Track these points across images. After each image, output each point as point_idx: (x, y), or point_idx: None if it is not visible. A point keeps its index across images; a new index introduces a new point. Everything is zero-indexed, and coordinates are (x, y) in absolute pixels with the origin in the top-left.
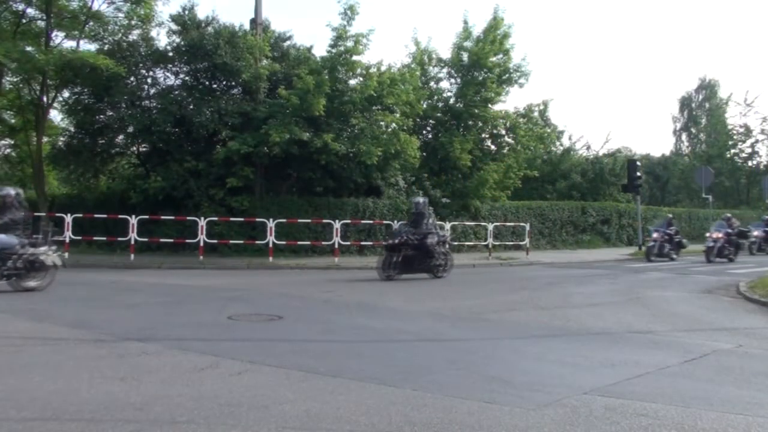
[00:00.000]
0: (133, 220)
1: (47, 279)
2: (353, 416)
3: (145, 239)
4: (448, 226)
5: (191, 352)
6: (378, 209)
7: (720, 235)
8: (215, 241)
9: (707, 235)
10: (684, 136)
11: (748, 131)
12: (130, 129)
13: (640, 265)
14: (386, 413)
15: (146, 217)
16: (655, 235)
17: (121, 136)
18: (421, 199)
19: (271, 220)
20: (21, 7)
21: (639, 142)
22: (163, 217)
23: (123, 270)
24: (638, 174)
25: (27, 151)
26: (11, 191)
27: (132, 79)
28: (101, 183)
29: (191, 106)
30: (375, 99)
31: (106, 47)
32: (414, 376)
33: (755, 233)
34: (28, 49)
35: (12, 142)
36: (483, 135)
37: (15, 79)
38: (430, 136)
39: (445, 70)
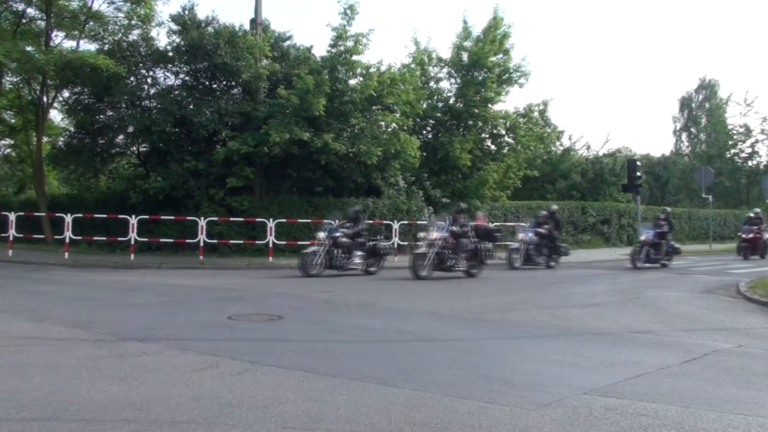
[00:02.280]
0: (133, 220)
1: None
2: (353, 416)
3: (145, 239)
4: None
5: (191, 352)
6: (378, 209)
7: (649, 237)
8: (215, 241)
9: (641, 237)
10: (684, 136)
11: (748, 131)
12: (130, 129)
13: (754, 257)
14: (386, 413)
15: (146, 217)
16: (643, 237)
17: (121, 136)
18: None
19: (271, 220)
20: (21, 7)
21: (639, 142)
22: (163, 217)
23: (123, 270)
24: (638, 174)
25: (27, 151)
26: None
27: (132, 79)
28: (101, 183)
29: (191, 106)
30: (375, 99)
31: (106, 47)
32: (414, 376)
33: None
34: (28, 49)
35: (12, 142)
36: (483, 135)
37: (15, 79)
38: (430, 136)
39: (444, 70)
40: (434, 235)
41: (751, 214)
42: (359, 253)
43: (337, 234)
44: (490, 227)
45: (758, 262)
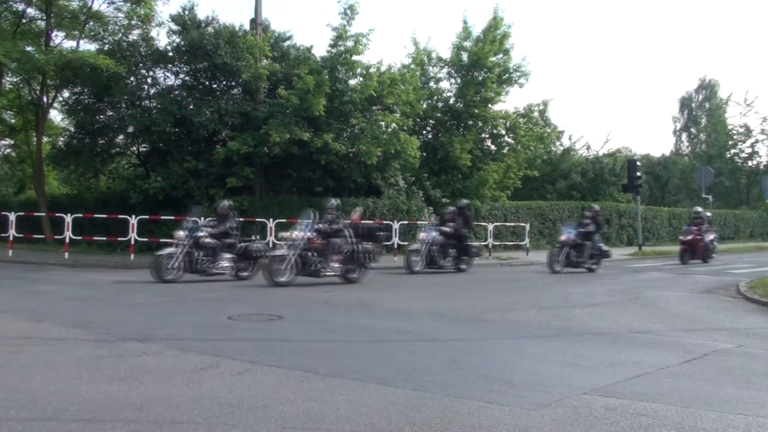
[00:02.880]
0: (133, 220)
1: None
2: (353, 416)
3: (145, 239)
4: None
5: (191, 352)
6: (378, 209)
7: (570, 237)
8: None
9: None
10: (684, 136)
11: (748, 131)
12: (130, 129)
13: (640, 265)
14: (386, 413)
15: (146, 217)
16: (564, 237)
17: (121, 136)
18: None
19: (271, 220)
20: (21, 7)
21: (639, 142)
22: (163, 217)
23: (123, 270)
24: (638, 174)
25: (27, 151)
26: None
27: (132, 79)
28: (101, 183)
29: (191, 106)
30: (375, 99)
31: (106, 47)
32: (414, 376)
33: (563, 237)
34: (28, 49)
35: (12, 142)
36: (483, 135)
37: (15, 79)
38: (430, 136)
39: (444, 70)
40: (295, 234)
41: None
42: (228, 255)
43: (200, 233)
44: (373, 225)
45: (758, 261)
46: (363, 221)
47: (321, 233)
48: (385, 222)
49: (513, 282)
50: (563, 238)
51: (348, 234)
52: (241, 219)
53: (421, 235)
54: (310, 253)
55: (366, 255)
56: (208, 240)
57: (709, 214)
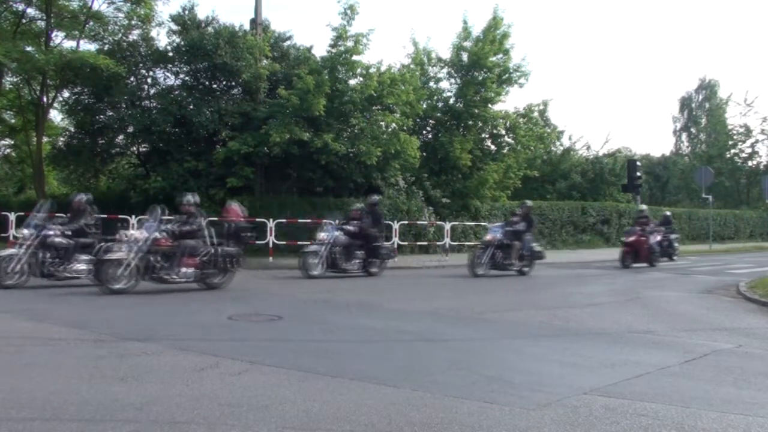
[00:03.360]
0: (133, 220)
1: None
2: (353, 416)
3: None
4: (448, 226)
5: (191, 352)
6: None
7: (496, 237)
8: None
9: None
10: (684, 136)
11: (748, 131)
12: (130, 129)
13: (640, 265)
14: (386, 413)
15: (146, 217)
16: (488, 237)
17: (121, 136)
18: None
19: (271, 220)
20: (21, 7)
21: (639, 142)
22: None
23: None
24: (638, 174)
25: (27, 151)
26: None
27: (132, 79)
28: (101, 183)
29: (191, 106)
30: (375, 99)
31: (106, 47)
32: (414, 376)
33: (488, 237)
34: (28, 49)
35: (12, 142)
36: (483, 135)
37: (15, 79)
38: (430, 136)
39: (444, 70)
40: (137, 234)
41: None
42: (84, 257)
43: (49, 232)
44: (242, 224)
45: (758, 261)
46: (241, 218)
47: (170, 234)
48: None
49: (513, 282)
50: (488, 237)
51: (208, 234)
52: (104, 215)
53: (321, 235)
54: (152, 257)
55: (228, 259)
56: (58, 239)
57: (668, 213)
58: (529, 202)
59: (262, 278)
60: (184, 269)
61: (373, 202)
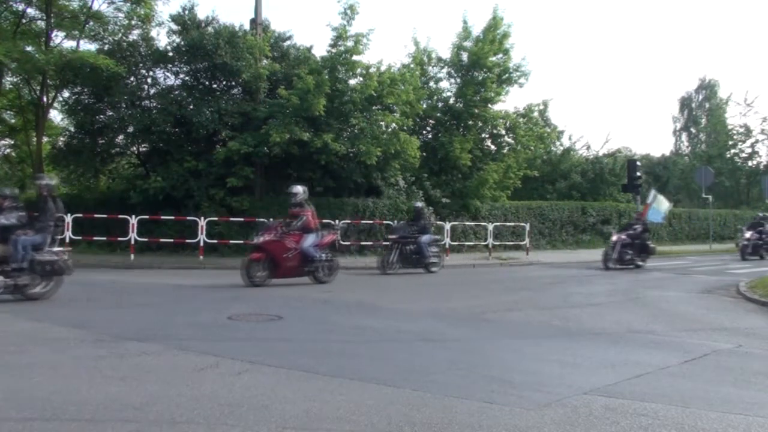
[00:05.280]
0: (133, 220)
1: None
2: (353, 416)
3: (145, 239)
4: (448, 226)
5: (191, 352)
6: (378, 209)
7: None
8: (215, 241)
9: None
10: (684, 136)
11: (748, 131)
12: (130, 129)
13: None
14: (386, 413)
15: (146, 217)
16: (394, 236)
17: (121, 136)
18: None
19: (271, 220)
20: (21, 7)
21: (639, 142)
22: (163, 217)
23: (123, 270)
24: (638, 174)
25: (27, 151)
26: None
27: (132, 79)
28: (101, 183)
29: (191, 106)
30: (375, 99)
31: (106, 47)
32: (414, 376)
33: (393, 236)
34: (28, 49)
35: (12, 142)
36: (483, 135)
37: (15, 79)
38: (430, 136)
39: (444, 70)
40: None
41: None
42: None
43: None
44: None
45: (756, 262)
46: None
47: None
48: (259, 219)
49: (513, 282)
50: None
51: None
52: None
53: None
54: None
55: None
56: None
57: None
58: (419, 203)
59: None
60: None
61: (419, 207)
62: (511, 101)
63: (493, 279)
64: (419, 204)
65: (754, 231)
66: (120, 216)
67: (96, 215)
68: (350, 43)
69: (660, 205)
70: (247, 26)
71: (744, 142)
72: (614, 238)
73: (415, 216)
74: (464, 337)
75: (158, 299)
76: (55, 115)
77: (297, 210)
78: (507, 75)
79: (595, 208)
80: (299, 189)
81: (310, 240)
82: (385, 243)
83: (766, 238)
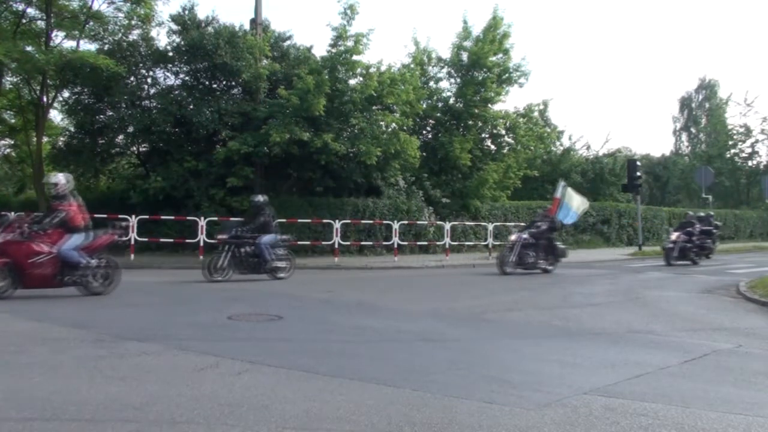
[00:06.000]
0: (133, 220)
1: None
2: (353, 416)
3: (145, 239)
4: (448, 226)
5: (191, 352)
6: (378, 209)
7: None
8: (215, 241)
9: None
10: (684, 136)
11: (748, 131)
12: (130, 129)
13: (640, 265)
14: (386, 413)
15: (146, 217)
16: (224, 235)
17: (121, 136)
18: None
19: (12, 214)
20: (21, 7)
21: (639, 142)
22: (163, 217)
23: (123, 270)
24: (638, 174)
25: (27, 151)
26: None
27: (132, 79)
28: (101, 183)
29: (191, 106)
30: (375, 99)
31: (106, 47)
32: (414, 376)
33: (223, 236)
34: (28, 49)
35: (12, 142)
36: (483, 135)
37: (15, 79)
38: (430, 136)
39: (444, 70)
40: None
41: None
42: None
43: None
44: None
45: (758, 261)
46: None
47: None
48: (384, 222)
49: (513, 282)
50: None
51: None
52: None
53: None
54: None
55: None
56: None
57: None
58: (259, 197)
59: (262, 278)
60: None
61: (259, 203)
62: (511, 101)
63: (493, 279)
64: (259, 198)
65: (683, 232)
66: (120, 216)
67: (96, 215)
68: (350, 43)
69: (571, 201)
70: (247, 26)
71: (744, 142)
72: (513, 237)
73: (253, 212)
74: (464, 337)
75: (158, 299)
76: (55, 115)
77: (56, 203)
78: (507, 75)
79: (595, 208)
80: (60, 178)
81: (73, 241)
82: (212, 241)
83: (696, 240)
